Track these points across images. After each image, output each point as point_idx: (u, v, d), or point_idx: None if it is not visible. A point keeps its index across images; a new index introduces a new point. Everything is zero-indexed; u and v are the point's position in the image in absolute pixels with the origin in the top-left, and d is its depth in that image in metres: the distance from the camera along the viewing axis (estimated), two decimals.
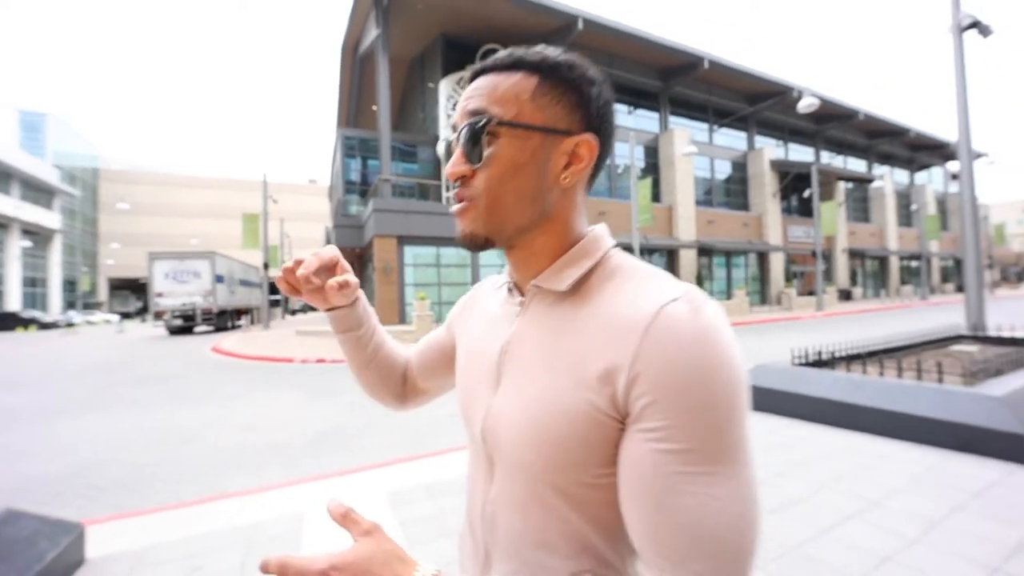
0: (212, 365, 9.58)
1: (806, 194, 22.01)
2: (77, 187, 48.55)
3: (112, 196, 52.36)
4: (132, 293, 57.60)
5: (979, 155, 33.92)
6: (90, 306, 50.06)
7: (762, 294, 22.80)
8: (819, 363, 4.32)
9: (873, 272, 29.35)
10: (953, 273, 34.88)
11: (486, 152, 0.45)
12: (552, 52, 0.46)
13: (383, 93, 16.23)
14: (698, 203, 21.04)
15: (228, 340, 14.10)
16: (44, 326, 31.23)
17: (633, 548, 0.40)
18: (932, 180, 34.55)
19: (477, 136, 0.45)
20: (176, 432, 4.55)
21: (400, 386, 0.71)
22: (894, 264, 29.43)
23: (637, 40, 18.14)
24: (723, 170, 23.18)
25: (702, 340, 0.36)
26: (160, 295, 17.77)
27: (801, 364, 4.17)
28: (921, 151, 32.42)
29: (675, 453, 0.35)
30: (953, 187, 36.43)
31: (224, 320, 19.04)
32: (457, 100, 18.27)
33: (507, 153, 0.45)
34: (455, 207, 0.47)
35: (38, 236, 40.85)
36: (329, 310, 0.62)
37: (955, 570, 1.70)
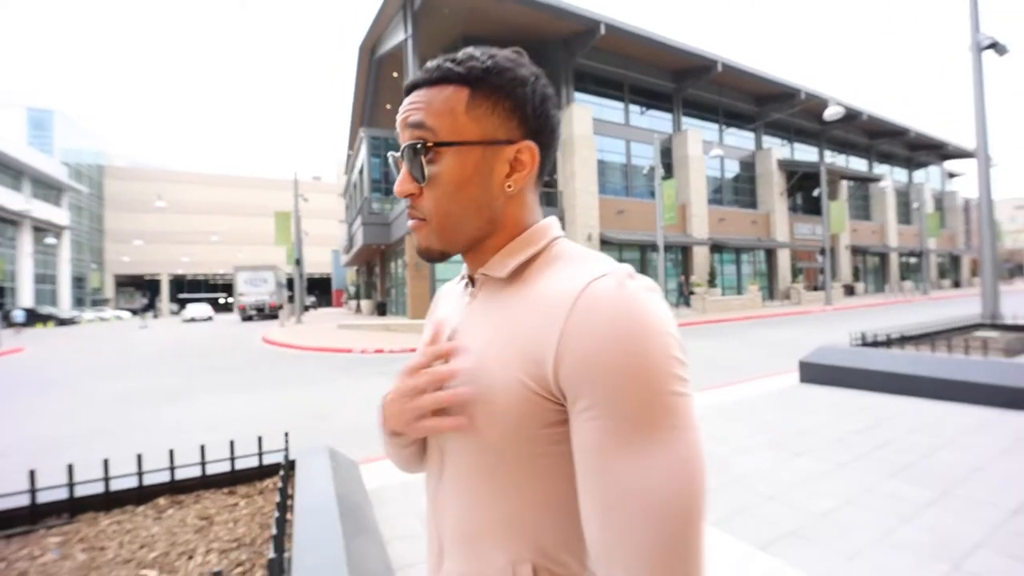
0: (275, 355, 10.17)
1: (815, 193, 22.72)
2: (83, 184, 48.58)
3: (118, 193, 52.41)
4: (137, 290, 57.66)
5: (974, 155, 34.78)
6: (98, 303, 50.18)
7: (770, 289, 23.55)
8: (872, 344, 5.00)
9: (874, 268, 30.23)
10: (949, 269, 35.82)
11: (429, 172, 0.46)
12: (480, 57, 0.47)
13: None
14: (709, 201, 21.72)
15: (274, 333, 14.64)
16: (61, 322, 31.54)
17: (580, 535, 0.41)
18: (929, 179, 35.42)
19: (417, 157, 0.46)
20: (306, 409, 5.16)
21: None
22: (894, 260, 30.31)
23: (654, 44, 18.74)
24: (732, 169, 23.86)
25: (625, 312, 0.36)
26: (242, 295, 26.74)
27: (859, 345, 4.84)
28: (919, 150, 33.26)
29: (609, 428, 0.35)
30: (950, 186, 37.37)
31: (275, 312, 26.66)
32: None
33: (450, 171, 0.46)
34: (410, 223, 0.49)
35: (48, 233, 41.02)
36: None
37: (1020, 475, 2.37)
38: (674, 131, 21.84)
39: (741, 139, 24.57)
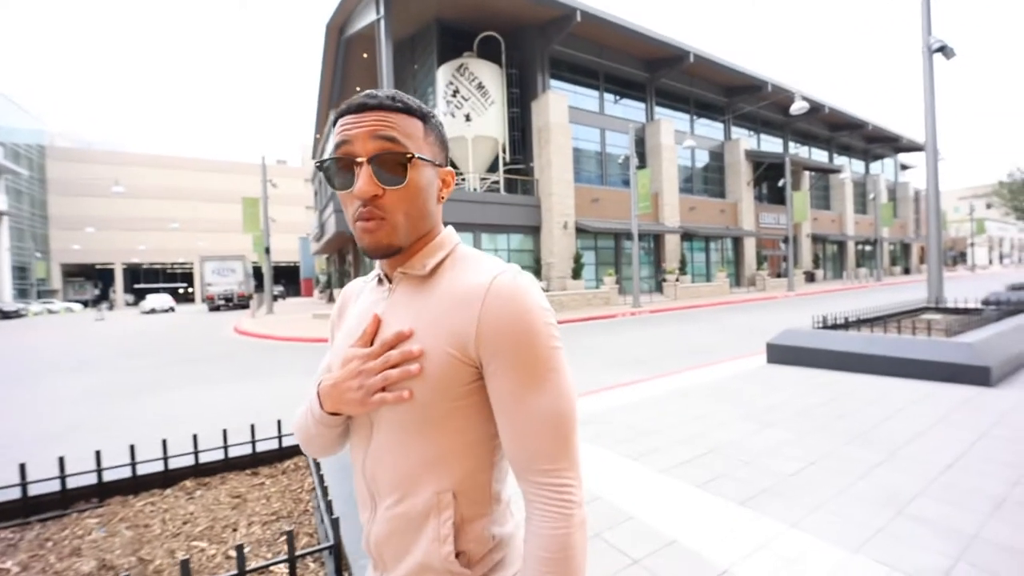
0: (250, 346, 10.00)
1: (780, 183, 23.67)
2: (23, 165, 45.16)
3: (63, 176, 48.94)
4: (87, 280, 54.40)
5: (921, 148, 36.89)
6: (44, 294, 47.17)
7: (736, 276, 24.56)
8: (831, 327, 5.44)
9: (832, 256, 31.90)
10: (900, 257, 38.18)
11: (402, 178, 0.56)
12: (411, 99, 0.60)
13: (386, 78, 16.39)
14: (680, 190, 22.33)
15: (246, 323, 14.29)
16: (5, 315, 29.64)
17: (487, 463, 0.58)
18: (884, 170, 37.42)
19: (400, 164, 0.55)
20: (295, 397, 5.19)
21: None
22: (851, 248, 32.05)
23: (629, 32, 18.93)
24: (702, 159, 24.55)
25: (519, 299, 0.53)
26: (209, 284, 27.26)
27: (820, 328, 5.26)
28: (876, 143, 35.04)
29: (516, 377, 0.53)
30: (903, 177, 39.58)
31: (244, 302, 27.44)
32: (457, 87, 18.50)
33: (417, 180, 0.57)
34: (367, 224, 0.56)
35: None
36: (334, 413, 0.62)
37: (954, 438, 2.74)
38: (647, 120, 22.23)
39: (711, 129, 25.24)
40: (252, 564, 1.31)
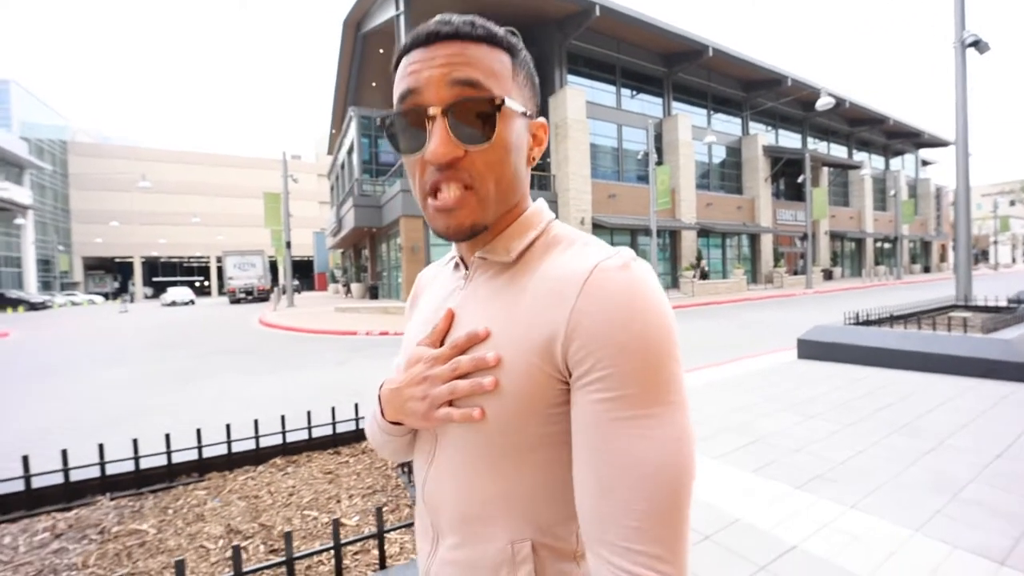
0: (279, 338, 10.26)
1: (800, 180, 23.39)
2: (46, 161, 46.21)
3: (84, 171, 50.02)
4: (107, 273, 55.62)
5: (949, 143, 36.14)
6: (67, 287, 48.37)
7: (753, 273, 24.38)
8: (863, 323, 5.47)
9: (851, 253, 31.47)
10: (920, 255, 37.52)
11: (495, 133, 0.43)
12: (502, 29, 0.46)
13: None
14: (697, 186, 22.20)
15: (270, 316, 14.61)
16: (32, 307, 30.48)
17: (574, 512, 0.43)
18: (904, 166, 36.74)
19: (484, 114, 0.43)
20: (338, 387, 5.38)
21: None
22: (869, 245, 31.59)
23: (647, 27, 18.81)
24: (719, 155, 24.35)
25: (630, 292, 0.39)
26: (231, 278, 27.95)
27: (852, 324, 5.30)
28: (896, 138, 34.37)
29: (612, 400, 0.37)
30: (923, 173, 38.81)
31: (264, 295, 27.91)
32: None
33: (506, 134, 0.44)
34: (446, 198, 0.44)
35: (8, 213, 39.11)
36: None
37: (999, 430, 2.80)
38: (664, 116, 22.10)
39: (728, 124, 25.00)
40: (351, 536, 1.44)
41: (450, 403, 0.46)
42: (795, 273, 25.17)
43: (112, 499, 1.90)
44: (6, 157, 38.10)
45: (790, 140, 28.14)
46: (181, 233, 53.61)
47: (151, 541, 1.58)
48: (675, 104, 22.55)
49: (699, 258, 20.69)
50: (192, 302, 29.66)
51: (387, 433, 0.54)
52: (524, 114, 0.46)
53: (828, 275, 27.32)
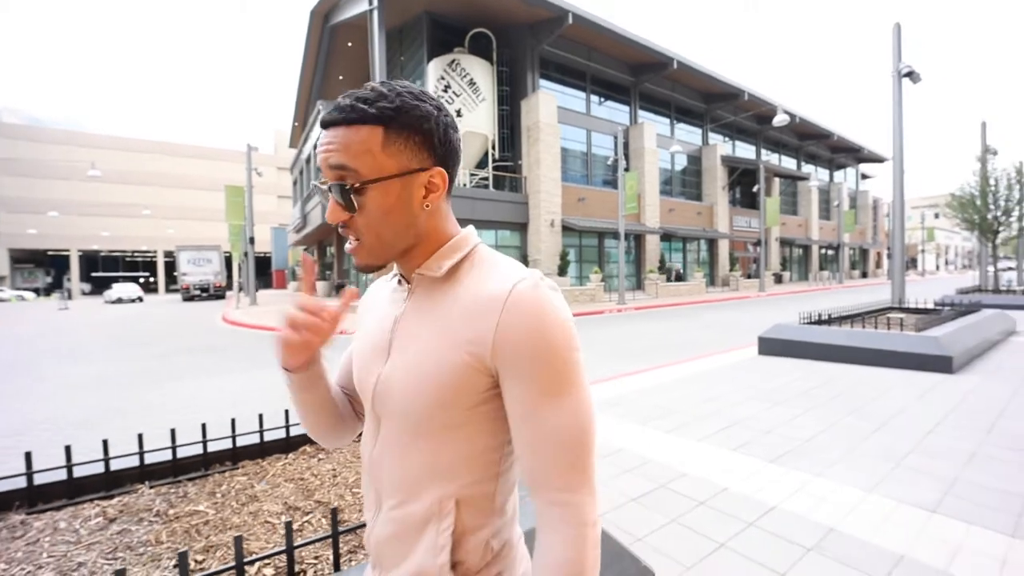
0: (247, 336, 9.98)
1: (755, 189, 24.85)
2: None
3: (11, 156, 45.89)
4: (38, 267, 51.32)
5: (886, 159, 39.31)
6: None
7: (711, 277, 25.69)
8: (816, 322, 6.06)
9: (798, 259, 33.69)
10: (859, 261, 40.62)
11: (358, 203, 0.53)
12: (388, 96, 0.53)
13: (378, 70, 16.37)
14: (660, 192, 23.18)
15: (234, 313, 14.08)
16: None
17: (493, 473, 0.57)
18: (846, 179, 39.69)
19: (345, 194, 0.53)
20: None
21: (354, 416, 0.74)
22: (815, 252, 33.93)
23: (617, 37, 19.49)
24: (680, 162, 25.51)
25: (539, 307, 0.51)
26: (185, 274, 26.64)
27: (806, 323, 5.87)
28: (840, 153, 37.11)
29: (533, 388, 0.51)
30: (863, 186, 42.05)
31: (220, 292, 27.17)
32: (448, 82, 18.56)
33: (375, 202, 0.53)
34: (348, 246, 0.57)
35: None
36: (294, 370, 0.64)
37: (930, 412, 3.30)
38: (631, 123, 22.93)
39: (689, 134, 26.23)
40: None
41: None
42: (749, 277, 26.73)
43: (151, 487, 1.98)
44: None
45: (746, 151, 29.83)
46: (125, 225, 50.20)
47: (213, 520, 1.69)
48: (641, 112, 23.44)
49: (662, 262, 21.61)
50: (140, 299, 27.92)
51: (292, 389, 0.66)
52: (403, 174, 0.54)
53: (778, 279, 29.16)
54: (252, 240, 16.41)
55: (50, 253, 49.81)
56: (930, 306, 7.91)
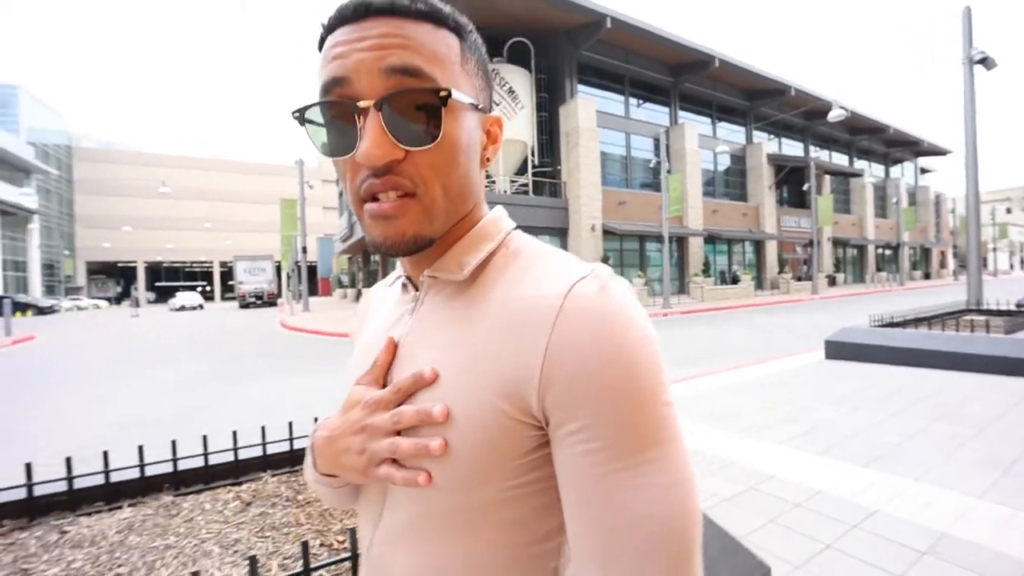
0: (312, 342, 10.51)
1: (805, 187, 23.80)
2: (51, 165, 46.47)
3: (88, 176, 50.34)
4: (109, 278, 55.75)
5: (948, 151, 36.72)
6: (70, 291, 48.47)
7: (758, 279, 24.74)
8: (888, 325, 5.78)
9: (852, 259, 31.91)
10: (920, 261, 38.00)
11: (434, 131, 0.36)
12: (448, 6, 0.39)
13: None
14: (703, 194, 22.62)
15: (293, 320, 14.87)
16: (40, 311, 30.62)
17: (554, 570, 0.38)
18: (904, 174, 37.32)
19: (428, 109, 0.36)
20: None
21: None
22: (871, 252, 32.03)
23: (656, 39, 19.28)
24: (724, 163, 24.80)
25: (611, 320, 0.33)
26: (241, 283, 28.73)
27: (878, 326, 5.61)
28: (896, 147, 34.97)
29: (601, 451, 0.32)
30: (922, 181, 39.40)
31: (272, 300, 29.02)
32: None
33: (456, 131, 0.37)
34: (383, 205, 0.37)
35: (19, 218, 39.32)
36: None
37: (1021, 429, 3.10)
38: (671, 124, 22.54)
39: (732, 133, 25.49)
40: None
41: (393, 460, 0.38)
42: (799, 279, 25.54)
43: (273, 475, 2.17)
44: (14, 162, 38.41)
45: (792, 148, 28.64)
46: (185, 238, 53.92)
47: None
48: (681, 113, 23.01)
49: (706, 264, 21.03)
50: (201, 307, 29.89)
51: (323, 485, 0.46)
52: (476, 107, 0.39)
53: (832, 281, 27.71)
54: (305, 250, 17.26)
55: (120, 265, 54.05)
56: (1012, 308, 7.35)
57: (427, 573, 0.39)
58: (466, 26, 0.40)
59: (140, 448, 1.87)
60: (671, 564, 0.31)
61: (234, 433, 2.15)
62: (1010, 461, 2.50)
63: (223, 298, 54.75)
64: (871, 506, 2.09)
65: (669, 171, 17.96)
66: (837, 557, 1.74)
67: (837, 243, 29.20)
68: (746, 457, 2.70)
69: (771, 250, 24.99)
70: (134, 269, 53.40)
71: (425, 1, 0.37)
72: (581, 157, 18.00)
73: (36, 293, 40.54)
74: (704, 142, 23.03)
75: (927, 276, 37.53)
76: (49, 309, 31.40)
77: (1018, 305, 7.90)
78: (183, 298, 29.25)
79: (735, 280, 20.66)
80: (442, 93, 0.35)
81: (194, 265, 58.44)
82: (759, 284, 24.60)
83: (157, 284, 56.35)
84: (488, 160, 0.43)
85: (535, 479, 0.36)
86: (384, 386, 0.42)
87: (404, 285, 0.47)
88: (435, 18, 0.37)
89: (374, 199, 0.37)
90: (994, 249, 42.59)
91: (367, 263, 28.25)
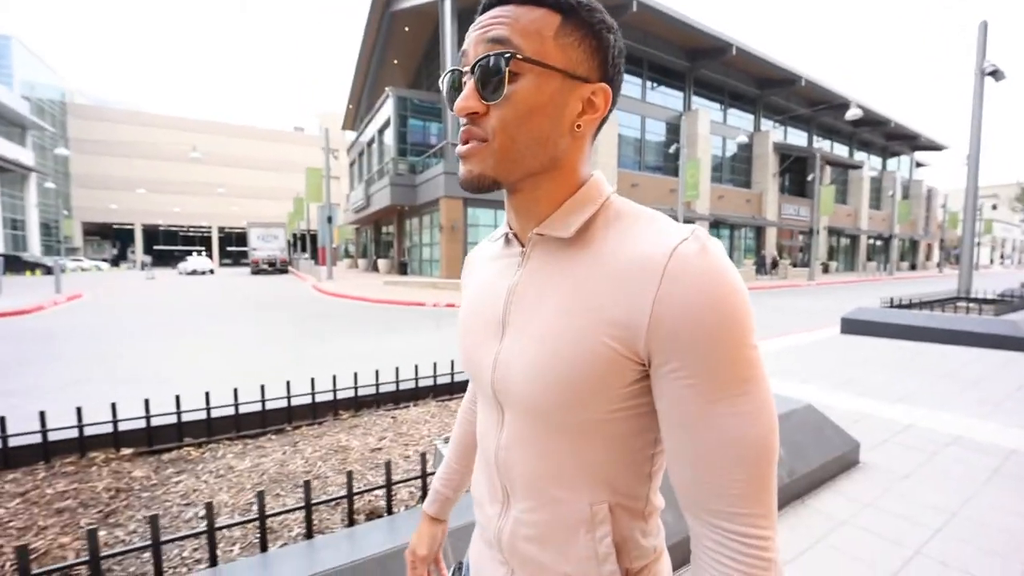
0: (352, 307, 11.26)
1: (810, 178, 24.66)
2: (46, 121, 45.24)
3: (84, 135, 49.05)
4: (104, 239, 55.10)
5: (944, 147, 37.69)
6: (68, 252, 48.00)
7: (757, 265, 25.85)
8: (897, 306, 6.76)
9: (845, 248, 33.18)
10: (908, 253, 39.49)
11: (505, 89, 0.43)
12: None
13: (448, 54, 17.13)
14: (711, 179, 23.38)
15: (326, 285, 15.56)
16: (48, 270, 30.65)
17: (648, 475, 0.48)
18: (900, 167, 38.35)
19: (498, 70, 0.43)
20: None
21: None
22: (863, 242, 33.31)
23: (677, 23, 19.61)
24: (731, 149, 25.49)
25: (711, 277, 0.39)
26: (255, 249, 29.14)
27: (888, 307, 6.59)
28: (894, 140, 35.86)
29: (703, 385, 0.39)
30: (916, 175, 40.51)
31: (284, 267, 29.39)
32: None
33: (527, 92, 0.44)
34: (462, 148, 0.46)
35: (15, 174, 38.60)
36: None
37: (1012, 378, 4.07)
38: (685, 109, 23.06)
39: (741, 120, 26.09)
40: None
41: None
42: (794, 265, 26.71)
43: (414, 404, 2.91)
44: (9, 116, 37.39)
45: (797, 137, 29.36)
46: (184, 201, 53.26)
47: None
48: (695, 98, 23.50)
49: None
50: (211, 271, 30.15)
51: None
52: (566, 72, 0.44)
53: (825, 269, 28.97)
54: (330, 219, 17.76)
55: (115, 227, 53.35)
56: (995, 297, 8.39)
57: (546, 472, 0.48)
58: (572, 6, 0.44)
59: (312, 380, 2.50)
60: (752, 471, 0.39)
61: (333, 377, 2.71)
62: (998, 401, 3.46)
63: (221, 264, 54.60)
64: (905, 420, 3.03)
65: (679, 155, 18.64)
66: (893, 445, 2.66)
67: (832, 232, 30.35)
68: (808, 397, 3.63)
69: (771, 236, 26.02)
70: (130, 231, 52.82)
71: None
72: (599, 139, 18.56)
73: (36, 252, 40.20)
74: (714, 128, 23.63)
75: (913, 267, 39.11)
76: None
77: (1001, 295, 8.98)
78: (194, 262, 29.35)
79: (775, 265, 21.62)
80: (506, 56, 0.43)
81: (191, 230, 57.93)
82: (758, 269, 25.73)
83: (155, 247, 55.90)
84: (579, 127, 0.46)
85: (634, 405, 0.44)
86: (486, 324, 0.52)
87: (508, 241, 0.54)
88: (535, 1, 0.44)
89: (465, 144, 0.46)
90: (978, 244, 44.27)
91: (379, 233, 28.73)
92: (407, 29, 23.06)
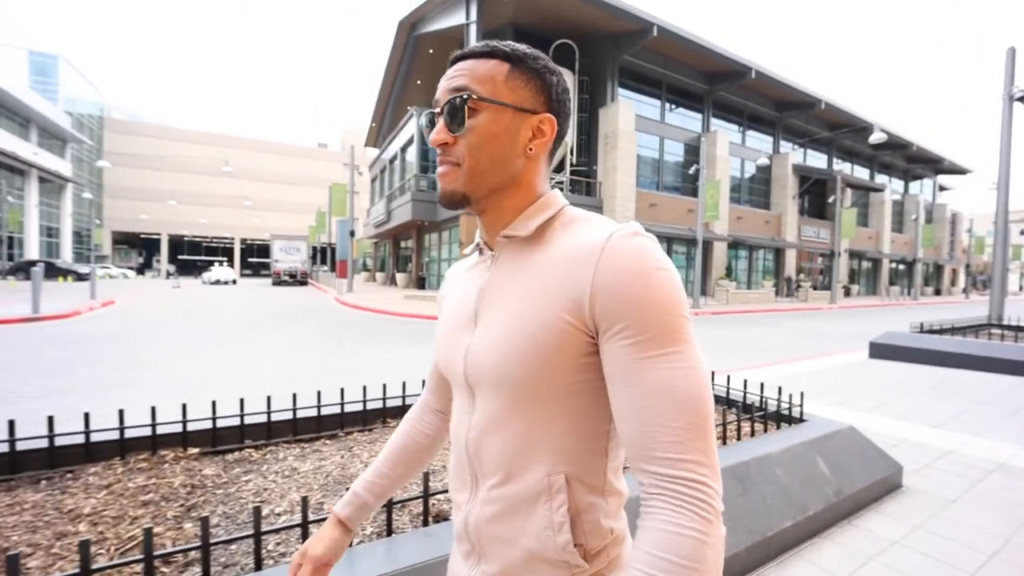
0: (378, 320, 11.46)
1: (831, 200, 24.47)
2: (84, 135, 47.42)
3: (117, 147, 51.22)
4: (131, 248, 56.89)
5: (968, 171, 37.11)
6: (97, 259, 49.68)
7: (776, 286, 25.54)
8: (926, 331, 6.66)
9: (867, 272, 32.58)
10: (932, 277, 38.59)
11: (467, 123, 0.54)
12: (519, 46, 0.57)
13: None
14: (729, 200, 23.33)
15: (348, 297, 15.84)
16: (80, 277, 31.74)
17: (604, 451, 0.53)
18: (923, 191, 37.79)
19: (459, 109, 0.54)
20: None
21: (444, 433, 0.78)
22: (885, 266, 32.70)
23: (698, 48, 19.92)
24: (749, 170, 25.48)
25: (640, 254, 0.47)
26: (277, 261, 30.24)
27: (918, 332, 6.49)
28: (917, 163, 35.43)
29: (639, 343, 0.45)
30: (940, 199, 39.84)
31: (304, 279, 30.05)
32: None
33: (485, 124, 0.54)
34: (440, 170, 0.56)
35: (52, 185, 40.38)
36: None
37: None
38: (703, 131, 23.22)
39: (760, 142, 26.12)
40: None
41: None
42: (815, 288, 26.31)
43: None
44: (53, 130, 39.34)
45: (816, 159, 29.23)
46: (209, 213, 54.94)
47: None
48: (713, 120, 23.68)
49: (728, 269, 21.82)
50: (235, 282, 30.85)
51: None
52: (516, 108, 0.55)
53: (847, 292, 28.46)
54: (352, 233, 18.17)
55: (143, 236, 55.15)
56: None
57: (512, 446, 0.53)
58: (522, 57, 0.56)
59: (364, 388, 2.51)
60: (689, 419, 0.44)
61: (383, 386, 2.83)
62: None
63: (241, 274, 55.84)
64: (945, 446, 3.01)
65: (699, 177, 18.71)
66: (935, 470, 2.65)
67: (853, 255, 29.89)
68: (847, 420, 3.62)
69: (791, 258, 25.74)
70: (156, 241, 54.55)
71: (486, 43, 0.57)
72: (619, 159, 18.77)
73: (68, 259, 41.71)
74: (733, 149, 23.70)
75: (938, 292, 38.14)
76: (86, 276, 32.56)
77: None
78: (218, 272, 30.03)
79: (797, 287, 21.42)
80: (465, 97, 0.54)
81: (214, 240, 59.52)
82: (777, 291, 25.41)
83: (179, 257, 57.51)
84: (531, 151, 0.56)
85: (590, 379, 0.51)
86: (460, 321, 0.60)
87: (480, 250, 0.63)
88: (487, 54, 0.56)
89: (442, 167, 0.56)
90: (1006, 270, 43.10)
91: (397, 248, 29.19)
92: (431, 52, 23.83)
